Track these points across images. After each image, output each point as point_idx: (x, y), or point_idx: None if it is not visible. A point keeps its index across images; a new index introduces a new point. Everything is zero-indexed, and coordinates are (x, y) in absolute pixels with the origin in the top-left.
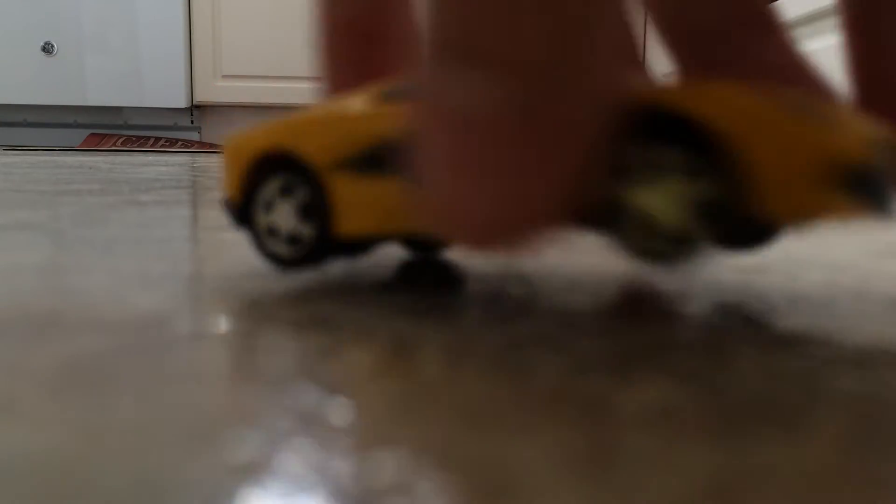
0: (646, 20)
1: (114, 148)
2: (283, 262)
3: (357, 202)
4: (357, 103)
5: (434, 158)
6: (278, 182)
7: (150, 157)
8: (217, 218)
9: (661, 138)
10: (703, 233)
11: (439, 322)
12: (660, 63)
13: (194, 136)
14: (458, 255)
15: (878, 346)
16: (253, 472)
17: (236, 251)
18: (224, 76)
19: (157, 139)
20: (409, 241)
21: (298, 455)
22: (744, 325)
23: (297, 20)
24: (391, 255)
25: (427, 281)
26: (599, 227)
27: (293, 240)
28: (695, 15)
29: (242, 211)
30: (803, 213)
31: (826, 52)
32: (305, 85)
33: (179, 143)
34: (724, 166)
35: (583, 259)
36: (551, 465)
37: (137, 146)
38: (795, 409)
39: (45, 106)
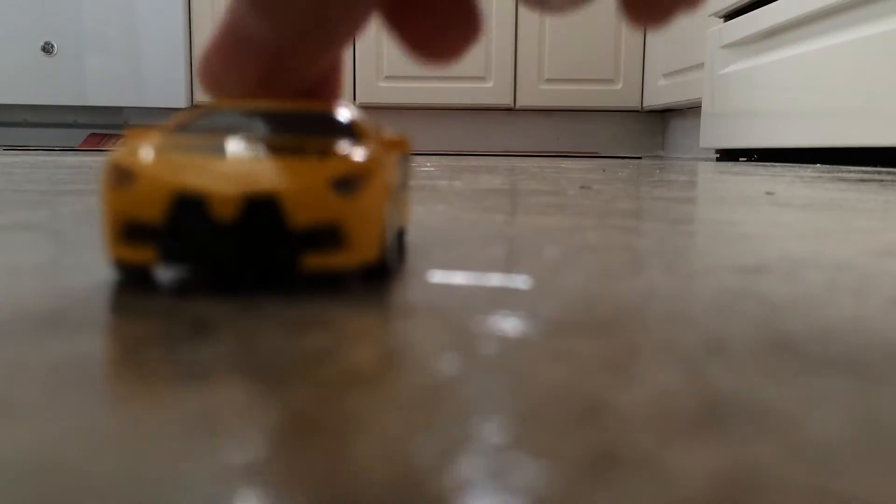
0: None
1: (114, 148)
2: None
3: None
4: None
5: None
6: None
7: None
8: None
9: None
10: None
11: (438, 322)
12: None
13: None
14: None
15: (878, 346)
16: (253, 472)
17: None
18: None
19: None
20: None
21: (298, 455)
22: (743, 325)
23: None
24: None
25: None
26: None
27: None
28: None
29: None
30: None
31: (825, 52)
32: None
33: None
34: None
35: (582, 259)
36: (551, 464)
37: None
38: (794, 410)
39: (45, 106)
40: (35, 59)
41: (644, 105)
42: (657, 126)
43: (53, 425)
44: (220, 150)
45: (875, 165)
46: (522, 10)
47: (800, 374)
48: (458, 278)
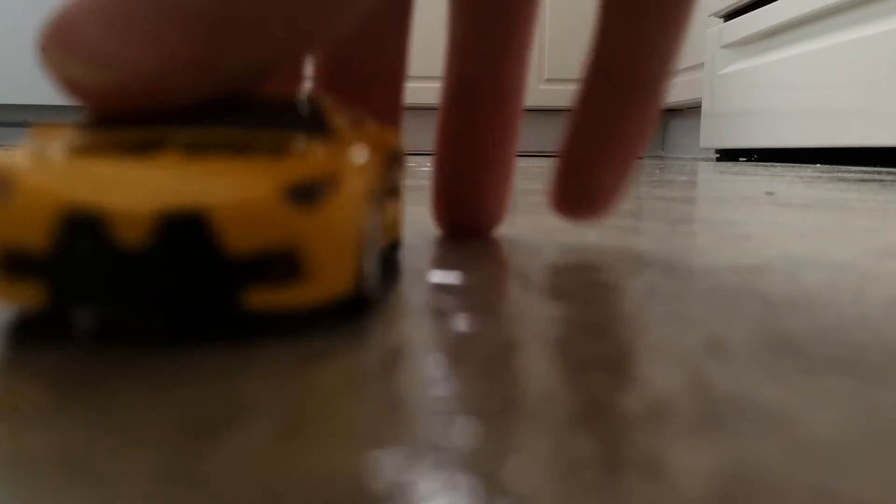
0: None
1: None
2: None
3: None
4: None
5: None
6: None
7: None
8: None
9: None
10: None
11: (439, 322)
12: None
13: None
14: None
15: (878, 346)
16: (253, 472)
17: None
18: None
19: None
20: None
21: (298, 455)
22: (743, 325)
23: None
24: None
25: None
26: None
27: None
28: None
29: None
30: None
31: (825, 52)
32: None
33: None
34: None
35: (582, 259)
36: (551, 465)
37: None
38: (794, 410)
39: (45, 106)
40: (35, 59)
41: None
42: (657, 126)
43: (53, 425)
44: (138, 150)
45: (875, 165)
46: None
47: (800, 374)
48: (457, 278)
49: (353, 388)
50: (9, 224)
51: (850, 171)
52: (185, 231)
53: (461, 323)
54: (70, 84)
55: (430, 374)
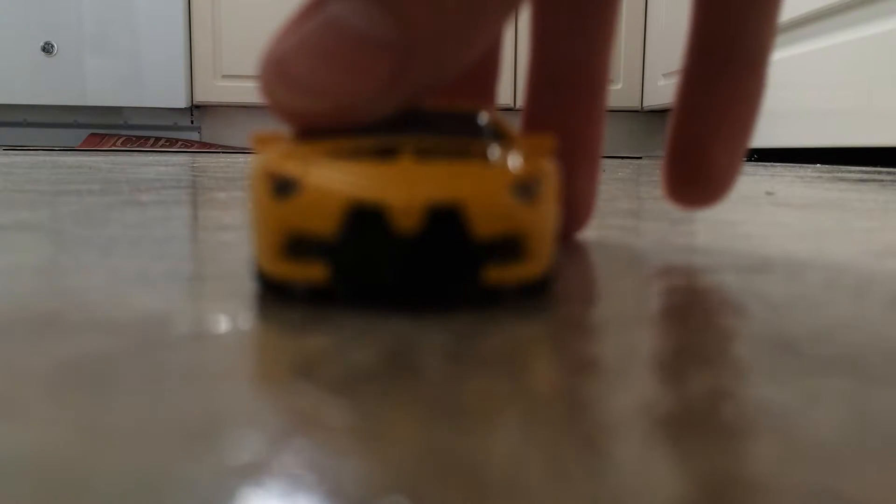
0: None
1: (114, 148)
2: None
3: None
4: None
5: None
6: None
7: (150, 157)
8: (217, 218)
9: None
10: None
11: (439, 322)
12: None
13: (194, 136)
14: None
15: (878, 346)
16: (253, 472)
17: (236, 251)
18: (224, 76)
19: (157, 139)
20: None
21: (298, 455)
22: (743, 325)
23: None
24: None
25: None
26: None
27: None
28: None
29: None
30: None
31: (825, 52)
32: None
33: (179, 143)
34: None
35: (581, 259)
36: (550, 465)
37: (137, 146)
38: (794, 410)
39: (45, 106)
40: (35, 59)
41: (644, 105)
42: (657, 126)
43: (53, 425)
44: (380, 155)
45: (875, 165)
46: (521, 11)
47: (800, 374)
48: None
49: (352, 387)
50: (298, 215)
51: (850, 171)
52: (445, 219)
53: (461, 322)
54: (282, 108)
55: (429, 374)
